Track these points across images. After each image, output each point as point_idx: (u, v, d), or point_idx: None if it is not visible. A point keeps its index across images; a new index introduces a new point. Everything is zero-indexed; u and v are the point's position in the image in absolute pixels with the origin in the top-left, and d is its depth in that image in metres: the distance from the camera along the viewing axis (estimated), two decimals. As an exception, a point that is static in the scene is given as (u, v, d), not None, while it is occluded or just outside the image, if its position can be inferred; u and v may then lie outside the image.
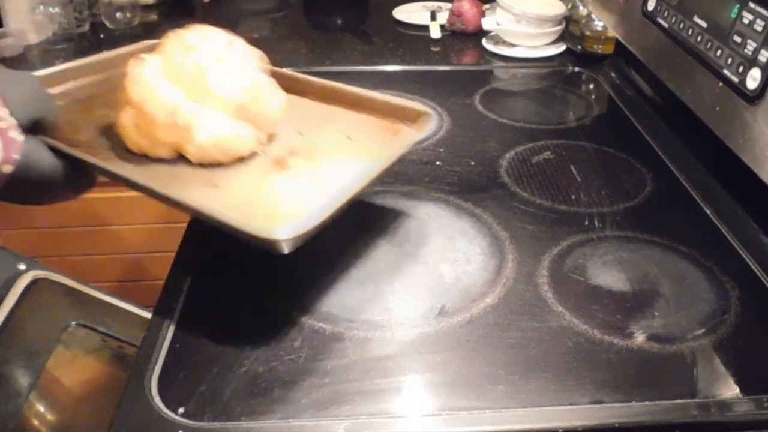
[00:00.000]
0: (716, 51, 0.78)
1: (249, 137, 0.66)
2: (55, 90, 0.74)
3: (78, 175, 0.61)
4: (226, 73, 0.65)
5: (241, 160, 0.65)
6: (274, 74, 0.74)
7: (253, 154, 0.66)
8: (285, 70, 0.77)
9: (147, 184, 0.58)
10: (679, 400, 0.54)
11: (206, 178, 0.63)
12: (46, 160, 0.58)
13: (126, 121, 0.65)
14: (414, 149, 0.80)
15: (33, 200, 0.63)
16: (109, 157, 0.66)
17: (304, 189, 0.62)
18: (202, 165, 0.65)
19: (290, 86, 0.74)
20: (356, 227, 0.73)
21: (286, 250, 0.52)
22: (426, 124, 0.69)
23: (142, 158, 0.66)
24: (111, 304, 0.94)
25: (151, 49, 0.68)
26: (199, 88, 0.64)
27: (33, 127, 0.59)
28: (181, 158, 0.65)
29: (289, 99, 0.72)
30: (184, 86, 0.64)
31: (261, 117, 0.66)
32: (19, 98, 0.57)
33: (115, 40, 1.43)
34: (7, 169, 0.55)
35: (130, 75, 0.65)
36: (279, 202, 0.60)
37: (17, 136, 0.56)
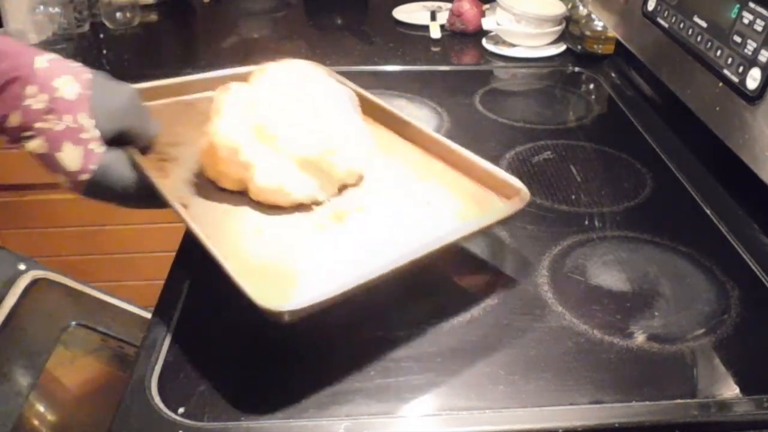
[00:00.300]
0: (716, 51, 0.78)
1: (309, 189, 0.63)
2: (161, 102, 0.77)
3: (150, 192, 0.63)
4: (300, 120, 0.62)
5: (302, 205, 0.64)
6: (379, 112, 0.74)
7: (317, 202, 0.64)
8: (396, 112, 0.74)
9: (191, 222, 0.57)
10: (679, 400, 0.54)
11: (256, 221, 0.62)
12: (119, 174, 0.62)
13: (203, 147, 0.65)
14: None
15: (112, 203, 0.65)
16: (181, 178, 0.67)
17: (345, 254, 0.59)
18: (261, 204, 0.64)
19: (396, 128, 0.74)
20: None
21: (285, 319, 0.50)
22: (518, 203, 0.63)
23: (210, 185, 0.66)
24: (111, 304, 0.94)
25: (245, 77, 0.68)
26: (268, 131, 0.62)
27: (118, 138, 0.63)
28: (245, 192, 0.65)
29: (387, 139, 0.72)
30: (257, 124, 0.63)
31: (328, 174, 0.64)
32: (106, 110, 0.61)
33: (115, 40, 1.43)
34: (84, 177, 0.60)
35: (213, 102, 0.66)
36: (306, 266, 0.57)
37: (97, 147, 0.60)
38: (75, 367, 0.89)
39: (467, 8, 1.36)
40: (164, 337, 0.59)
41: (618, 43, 1.15)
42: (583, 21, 1.23)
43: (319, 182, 0.63)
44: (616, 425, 0.52)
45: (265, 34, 1.45)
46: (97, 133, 0.60)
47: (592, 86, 1.16)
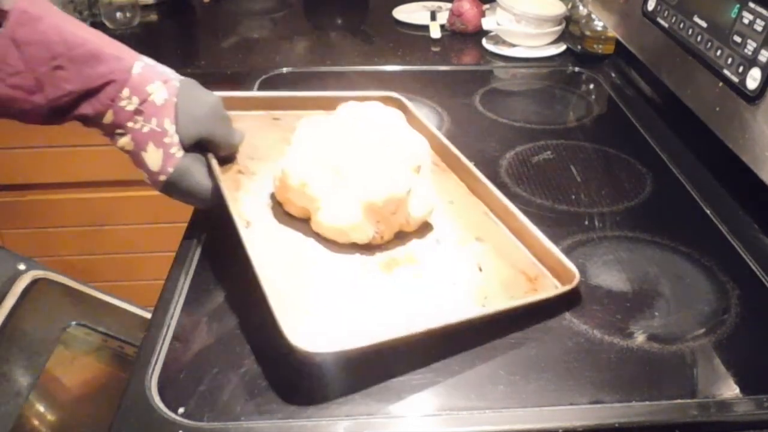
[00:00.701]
0: (716, 51, 0.78)
1: (367, 232, 0.64)
2: (248, 113, 0.80)
3: (221, 201, 0.65)
4: (369, 164, 0.63)
5: (358, 245, 0.65)
6: (454, 161, 0.75)
7: (372, 245, 0.65)
8: (470, 166, 0.75)
9: (246, 244, 0.58)
10: (679, 400, 0.54)
11: (311, 253, 0.64)
12: (195, 179, 0.67)
13: (276, 172, 0.67)
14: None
15: (187, 202, 0.70)
16: (252, 194, 0.69)
17: (382, 305, 0.59)
18: (320, 236, 0.65)
19: (468, 182, 0.75)
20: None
21: (309, 359, 0.51)
22: (567, 288, 0.62)
23: (278, 207, 0.68)
24: (111, 304, 0.94)
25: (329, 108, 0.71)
26: (338, 170, 0.63)
27: (199, 144, 0.67)
28: (307, 221, 0.66)
29: (457, 190, 0.73)
30: (328, 161, 0.64)
31: (387, 220, 0.65)
32: (189, 117, 0.65)
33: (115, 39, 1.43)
34: (162, 178, 0.66)
35: (296, 130, 0.68)
36: (342, 306, 0.58)
37: (177, 152, 0.65)
38: (75, 367, 0.89)
39: (467, 8, 1.36)
40: (164, 337, 0.59)
41: (618, 43, 1.15)
42: (583, 21, 1.23)
43: (378, 227, 0.65)
44: (616, 425, 0.52)
45: (265, 34, 1.45)
46: (176, 138, 0.65)
47: (592, 86, 1.16)
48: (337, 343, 0.52)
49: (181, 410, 0.52)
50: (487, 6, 1.40)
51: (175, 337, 0.59)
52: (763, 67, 0.69)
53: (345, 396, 0.54)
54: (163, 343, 0.58)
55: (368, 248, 0.65)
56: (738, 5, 0.74)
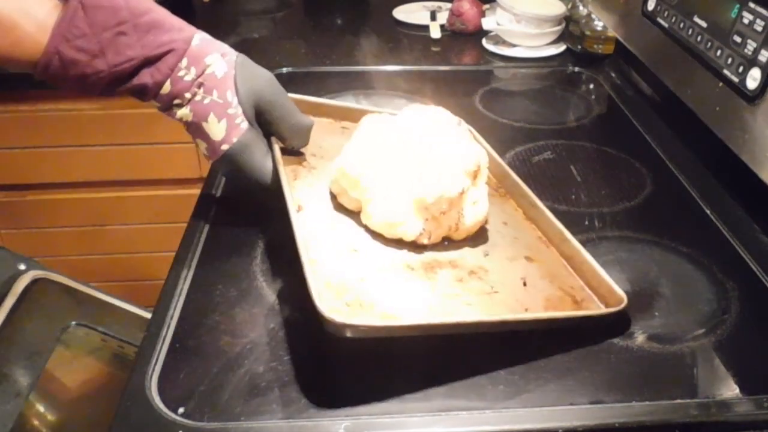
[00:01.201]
0: (716, 51, 0.78)
1: (415, 229, 0.64)
2: (321, 119, 0.80)
3: (275, 186, 0.66)
4: (426, 164, 0.63)
5: (404, 242, 0.65)
6: (511, 183, 0.76)
7: (419, 243, 0.65)
8: (527, 190, 0.75)
9: (295, 223, 0.58)
10: (679, 400, 0.54)
11: (357, 243, 0.64)
12: (257, 155, 0.68)
13: (334, 165, 0.68)
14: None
15: (240, 180, 0.70)
16: (308, 184, 0.70)
17: (418, 302, 0.59)
18: (368, 229, 0.65)
19: (523, 205, 0.75)
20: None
21: (347, 334, 0.51)
22: (612, 310, 0.60)
23: (332, 199, 0.68)
24: (111, 304, 0.95)
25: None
26: (393, 167, 0.64)
27: (260, 119, 0.68)
28: (356, 215, 0.66)
29: (510, 212, 0.73)
30: (385, 158, 0.64)
31: (437, 222, 0.65)
32: (249, 89, 0.66)
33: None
34: (224, 147, 0.66)
35: (359, 126, 0.69)
36: (378, 299, 0.57)
37: (242, 123, 0.66)
38: (75, 367, 0.89)
39: (467, 8, 1.36)
40: (164, 337, 0.59)
41: (618, 43, 1.15)
42: (583, 21, 1.23)
43: (426, 225, 0.64)
44: (616, 425, 0.52)
45: (265, 34, 1.45)
46: (240, 109, 0.66)
47: (592, 86, 1.16)
48: (375, 321, 0.53)
49: (181, 410, 0.52)
50: (487, 6, 1.40)
51: (175, 337, 0.59)
52: (763, 67, 0.69)
53: (345, 396, 0.54)
54: (163, 343, 0.58)
55: (414, 246, 0.65)
56: (738, 5, 0.74)
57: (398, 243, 0.65)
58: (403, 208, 0.63)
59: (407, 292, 0.59)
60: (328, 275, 0.58)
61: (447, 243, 0.67)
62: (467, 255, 0.66)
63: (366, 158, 0.65)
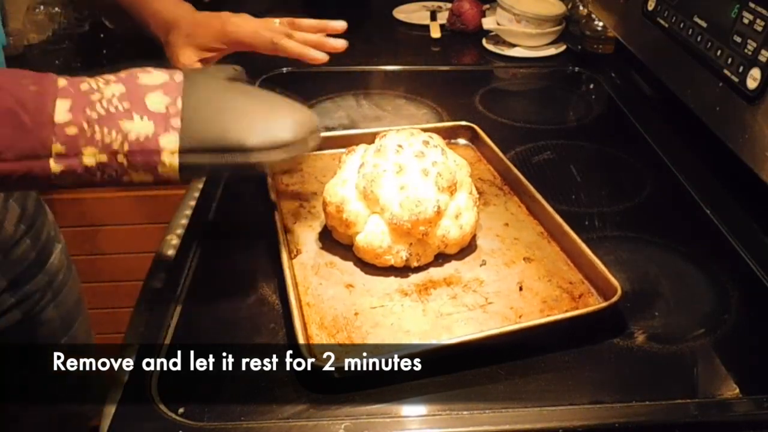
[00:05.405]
0: (716, 51, 0.78)
1: (401, 254, 0.65)
2: (329, 152, 0.81)
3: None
4: (399, 189, 0.64)
5: (396, 268, 0.65)
6: (513, 180, 0.76)
7: (410, 267, 0.66)
8: (528, 185, 0.75)
9: (287, 271, 0.62)
10: (679, 400, 0.54)
11: (352, 277, 0.65)
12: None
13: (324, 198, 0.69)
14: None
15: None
16: (308, 227, 0.71)
17: (413, 326, 0.59)
18: (362, 261, 0.66)
19: (525, 201, 0.75)
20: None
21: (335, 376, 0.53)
22: (603, 305, 0.60)
23: (331, 237, 0.69)
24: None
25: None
26: (371, 195, 0.64)
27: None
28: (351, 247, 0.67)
29: (513, 209, 0.74)
30: (362, 187, 0.65)
31: (423, 244, 0.65)
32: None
33: (115, 39, 1.43)
34: (174, 122, 0.49)
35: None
36: (371, 331, 0.59)
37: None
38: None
39: (467, 8, 1.36)
40: (164, 336, 0.59)
41: (618, 43, 1.15)
42: (583, 21, 1.23)
43: (410, 250, 0.65)
44: (616, 425, 0.52)
45: (265, 34, 1.45)
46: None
47: (592, 86, 1.16)
48: (348, 360, 0.53)
49: (181, 410, 0.52)
50: (487, 6, 1.40)
51: (175, 337, 0.59)
52: (763, 67, 0.69)
53: (345, 396, 0.54)
54: (163, 343, 0.58)
55: (405, 271, 0.66)
56: (738, 5, 0.74)
57: (393, 269, 0.65)
58: (387, 237, 0.64)
59: (399, 321, 0.60)
60: (322, 316, 0.60)
61: (441, 260, 0.67)
62: (463, 268, 0.67)
63: (344, 190, 0.66)
